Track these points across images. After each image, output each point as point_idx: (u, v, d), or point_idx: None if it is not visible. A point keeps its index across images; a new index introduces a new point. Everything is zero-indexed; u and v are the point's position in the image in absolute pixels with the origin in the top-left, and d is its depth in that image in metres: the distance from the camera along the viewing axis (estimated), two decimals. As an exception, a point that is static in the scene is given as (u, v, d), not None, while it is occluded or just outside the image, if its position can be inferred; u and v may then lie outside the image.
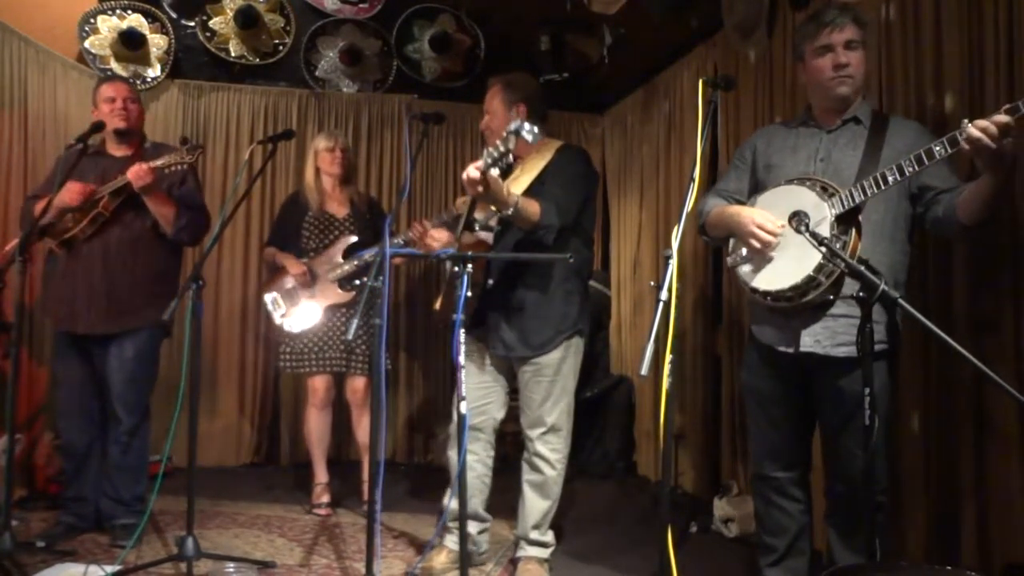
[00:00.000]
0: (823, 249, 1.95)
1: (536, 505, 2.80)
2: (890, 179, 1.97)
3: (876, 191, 2.01)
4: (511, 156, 2.32)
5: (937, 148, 1.88)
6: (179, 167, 3.00)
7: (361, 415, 3.73)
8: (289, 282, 3.69)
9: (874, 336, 2.05)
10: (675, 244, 1.94)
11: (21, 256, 2.64)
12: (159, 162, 2.95)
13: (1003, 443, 2.30)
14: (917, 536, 2.59)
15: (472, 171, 2.32)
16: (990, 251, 2.35)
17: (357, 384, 3.69)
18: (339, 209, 3.76)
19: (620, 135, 5.04)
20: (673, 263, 1.88)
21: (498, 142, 2.31)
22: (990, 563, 2.30)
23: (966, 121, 1.82)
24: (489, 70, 4.71)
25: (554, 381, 2.76)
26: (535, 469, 2.79)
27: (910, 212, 2.20)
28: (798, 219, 2.09)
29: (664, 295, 1.83)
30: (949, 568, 2.12)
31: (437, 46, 4.88)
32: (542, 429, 2.76)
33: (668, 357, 1.85)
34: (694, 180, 2.02)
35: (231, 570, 2.70)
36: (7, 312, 3.41)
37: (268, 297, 3.75)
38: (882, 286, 1.77)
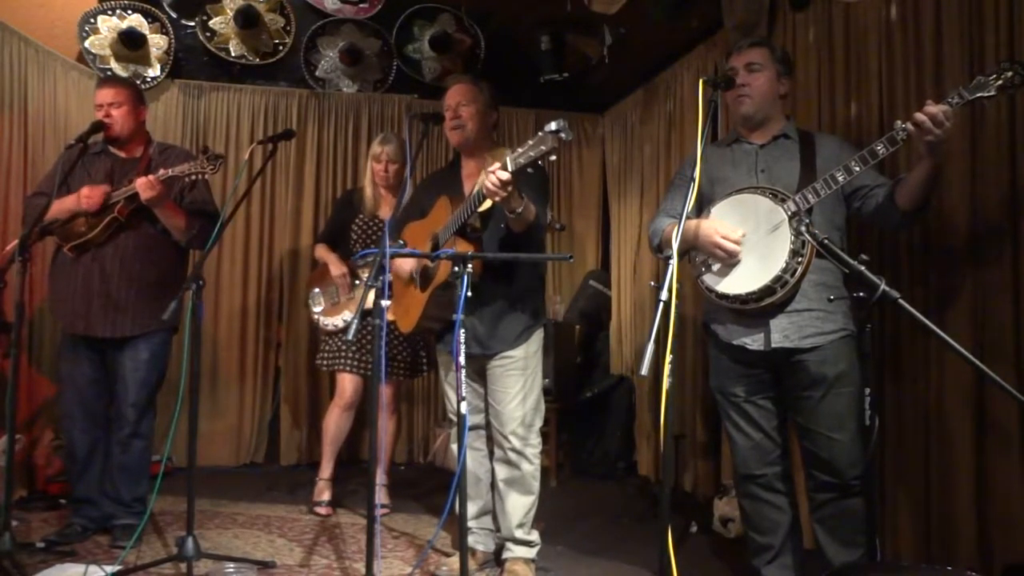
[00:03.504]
0: (821, 248, 1.97)
1: (518, 503, 2.79)
2: (840, 178, 2.15)
3: (829, 191, 2.17)
4: (552, 156, 2.21)
5: (879, 148, 2.09)
6: (197, 176, 2.95)
7: (387, 419, 3.74)
8: (331, 281, 3.74)
9: (837, 324, 2.28)
10: (675, 244, 1.96)
11: (21, 256, 2.64)
12: (175, 171, 2.91)
13: (1003, 443, 2.30)
14: (916, 536, 2.59)
15: (501, 173, 2.26)
16: (991, 251, 2.36)
17: (386, 389, 3.68)
18: (389, 214, 3.73)
19: (620, 135, 5.04)
20: (673, 263, 1.90)
21: (537, 144, 2.18)
22: (990, 563, 2.31)
23: (899, 122, 2.05)
24: (489, 70, 4.74)
25: (526, 374, 2.77)
26: (513, 466, 2.78)
27: (845, 215, 2.39)
28: (798, 219, 2.14)
29: (664, 295, 1.84)
30: (949, 568, 2.12)
31: (437, 46, 4.88)
32: (518, 424, 2.75)
33: (668, 357, 1.86)
34: (694, 180, 2.05)
35: (231, 570, 2.70)
36: (7, 312, 3.40)
37: (311, 290, 3.86)
38: (882, 286, 1.77)
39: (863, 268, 1.83)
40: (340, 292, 3.73)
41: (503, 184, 2.28)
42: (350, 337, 2.14)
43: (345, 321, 3.66)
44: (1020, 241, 2.28)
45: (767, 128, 2.45)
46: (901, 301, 1.76)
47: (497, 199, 2.34)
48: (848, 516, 2.26)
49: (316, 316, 3.80)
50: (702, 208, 2.46)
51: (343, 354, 3.66)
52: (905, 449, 2.63)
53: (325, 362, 3.73)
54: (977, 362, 1.71)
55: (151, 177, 2.87)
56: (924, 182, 2.12)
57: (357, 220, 3.75)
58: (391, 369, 3.64)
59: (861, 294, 1.84)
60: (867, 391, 1.88)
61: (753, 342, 2.34)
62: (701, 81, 2.12)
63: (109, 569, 2.63)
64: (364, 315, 2.23)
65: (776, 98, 2.44)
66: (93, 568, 2.65)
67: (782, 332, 2.28)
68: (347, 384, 3.68)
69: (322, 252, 3.83)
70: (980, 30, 2.39)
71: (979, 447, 2.38)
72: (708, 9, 3.72)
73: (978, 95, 1.95)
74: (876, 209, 2.28)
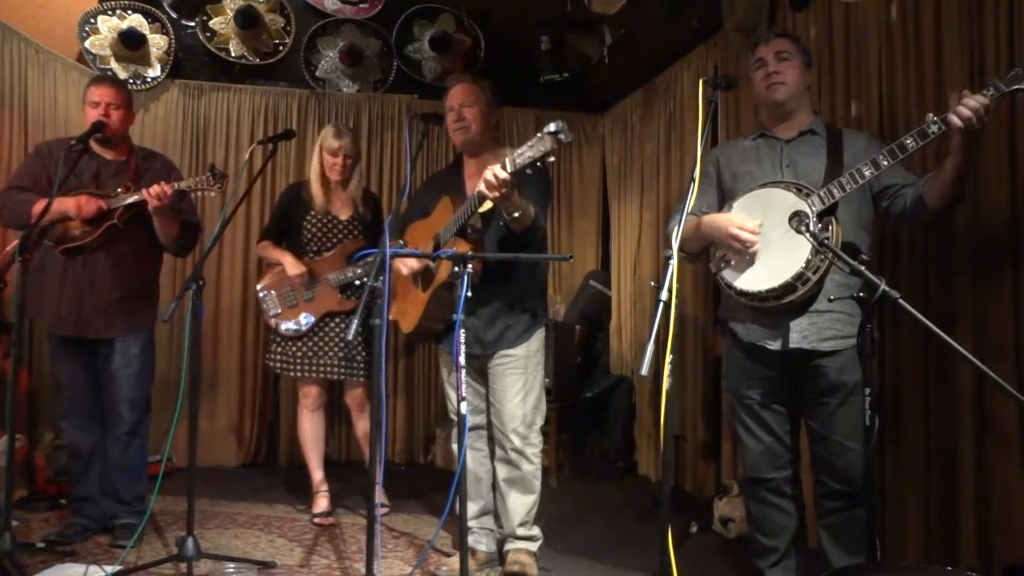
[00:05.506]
0: (823, 249, 1.97)
1: (520, 502, 2.79)
2: (867, 173, 2.10)
3: (855, 185, 2.12)
4: (551, 157, 2.22)
5: (909, 141, 2.03)
6: (202, 193, 3.02)
7: (360, 420, 3.73)
8: (287, 281, 3.58)
9: (856, 329, 2.12)
10: (675, 244, 1.96)
11: (21, 256, 2.64)
12: (183, 185, 2.96)
13: (1003, 443, 2.30)
14: (917, 536, 2.59)
15: (500, 173, 2.27)
16: (991, 251, 2.36)
17: (356, 391, 3.67)
18: (343, 210, 3.64)
19: (621, 135, 5.04)
20: (673, 263, 1.89)
21: (536, 144, 2.20)
22: (990, 563, 2.31)
23: (931, 115, 1.99)
24: (489, 70, 4.74)
25: (527, 373, 2.78)
26: (514, 466, 2.78)
27: (872, 215, 2.33)
28: (798, 219, 2.12)
29: (664, 295, 1.84)
30: (949, 568, 2.12)
31: (437, 46, 4.88)
32: (519, 424, 2.75)
33: (668, 357, 1.85)
34: (694, 180, 2.05)
35: (231, 570, 2.70)
36: (7, 312, 3.41)
37: (262, 291, 3.63)
38: (882, 286, 1.77)
39: (863, 268, 1.83)
40: (296, 293, 3.58)
41: (501, 183, 2.29)
42: (350, 336, 2.13)
43: (308, 323, 3.54)
44: (1020, 241, 2.28)
45: (794, 121, 2.40)
46: (901, 301, 1.76)
47: (495, 197, 2.35)
48: (856, 524, 2.22)
49: (273, 320, 3.60)
50: (723, 204, 2.42)
51: (300, 360, 3.55)
52: (905, 449, 2.63)
53: (278, 365, 3.60)
54: (977, 362, 1.71)
55: (165, 189, 2.89)
56: (957, 177, 2.06)
57: (309, 217, 3.59)
58: (351, 369, 3.56)
59: (861, 294, 1.84)
60: (867, 391, 1.88)
61: (772, 342, 2.29)
62: (701, 81, 2.11)
63: (109, 569, 2.63)
64: (368, 306, 2.21)
65: (804, 88, 2.41)
66: (93, 568, 2.65)
67: (800, 332, 2.23)
68: (310, 388, 3.63)
69: (273, 251, 3.63)
70: (980, 30, 2.39)
71: (979, 447, 2.37)
72: (708, 9, 3.72)
73: (1015, 87, 1.90)
74: (904, 210, 2.22)
